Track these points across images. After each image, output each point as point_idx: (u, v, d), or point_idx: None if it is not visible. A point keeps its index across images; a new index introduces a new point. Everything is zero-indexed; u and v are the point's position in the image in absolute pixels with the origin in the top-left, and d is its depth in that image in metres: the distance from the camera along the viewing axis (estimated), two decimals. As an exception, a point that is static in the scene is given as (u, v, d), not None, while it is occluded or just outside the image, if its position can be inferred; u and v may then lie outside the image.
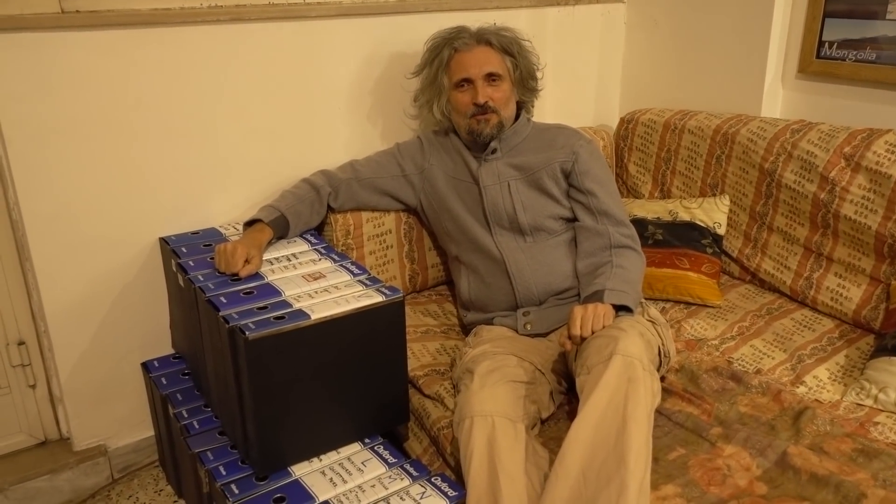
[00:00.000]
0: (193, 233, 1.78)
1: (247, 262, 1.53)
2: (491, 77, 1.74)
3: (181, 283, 1.60)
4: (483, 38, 1.77)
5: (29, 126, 1.57)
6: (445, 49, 1.77)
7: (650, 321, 1.56)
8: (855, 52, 1.92)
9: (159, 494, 1.84)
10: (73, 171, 1.64)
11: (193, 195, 1.80)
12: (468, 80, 1.74)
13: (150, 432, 1.92)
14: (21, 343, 1.77)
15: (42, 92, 1.56)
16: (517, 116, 1.81)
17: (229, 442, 1.52)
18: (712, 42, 2.18)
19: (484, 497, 1.31)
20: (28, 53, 1.53)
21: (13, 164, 1.58)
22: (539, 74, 1.87)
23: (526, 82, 1.83)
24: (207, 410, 1.64)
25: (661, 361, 1.52)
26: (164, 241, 1.74)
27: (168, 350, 1.88)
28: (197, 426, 1.58)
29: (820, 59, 2.00)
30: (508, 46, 1.77)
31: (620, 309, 1.52)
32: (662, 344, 1.54)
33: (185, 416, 1.62)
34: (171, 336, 1.87)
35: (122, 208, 1.72)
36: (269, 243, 1.66)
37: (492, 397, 1.40)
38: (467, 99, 1.74)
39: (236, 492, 1.37)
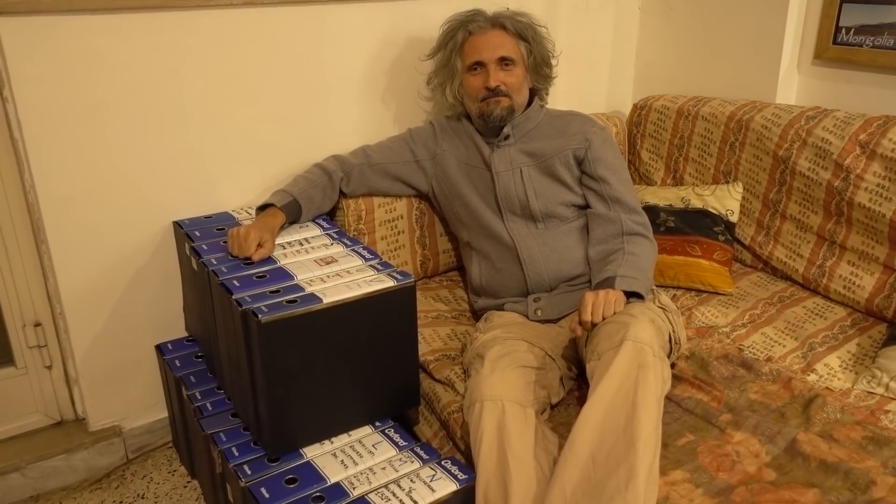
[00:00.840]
0: (206, 217, 1.79)
1: (259, 246, 1.54)
2: (504, 61, 1.73)
3: (194, 266, 1.62)
4: (498, 21, 1.76)
5: (44, 109, 1.58)
6: (460, 32, 1.77)
7: (661, 308, 1.56)
8: (872, 38, 1.90)
9: (173, 475, 1.87)
10: (88, 154, 1.65)
11: (206, 179, 1.81)
12: (481, 64, 1.73)
13: (164, 414, 1.94)
14: (37, 324, 1.79)
15: (57, 75, 1.57)
16: (530, 103, 1.81)
17: (242, 424, 1.54)
18: (727, 27, 2.16)
19: (493, 480, 1.32)
20: (44, 37, 1.54)
21: (29, 146, 1.59)
22: (554, 62, 1.86)
23: (540, 69, 1.82)
24: (220, 392, 1.66)
25: (671, 348, 1.53)
26: (177, 225, 1.75)
27: (182, 333, 1.90)
28: (210, 408, 1.60)
29: (837, 44, 1.97)
30: (523, 31, 1.76)
31: (631, 296, 1.52)
32: (673, 331, 1.54)
33: (199, 397, 1.64)
34: (185, 319, 1.89)
35: (136, 192, 1.73)
36: (282, 228, 1.67)
37: (502, 382, 1.41)
38: (479, 82, 1.74)
39: (248, 472, 1.39)
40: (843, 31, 1.95)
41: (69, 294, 1.73)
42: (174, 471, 1.88)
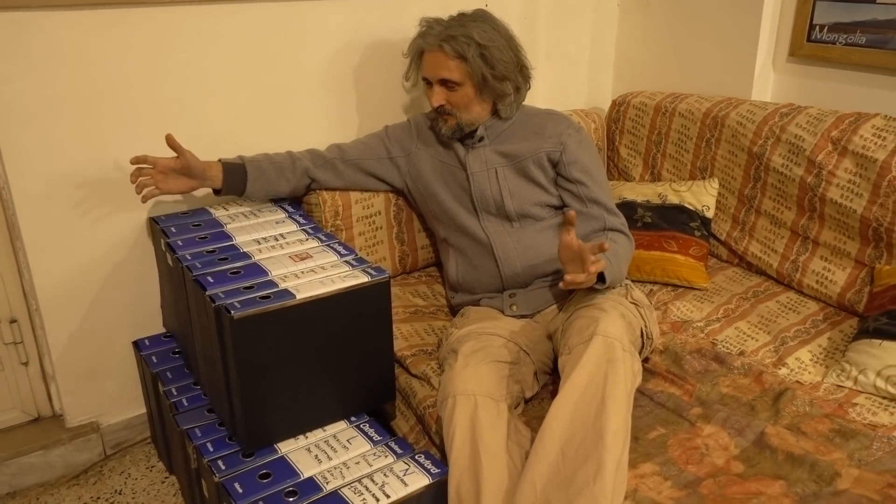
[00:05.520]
0: (183, 213, 1.79)
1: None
2: (446, 82, 1.70)
3: (170, 262, 1.62)
4: (439, 41, 1.68)
5: (17, 105, 1.57)
6: (418, 43, 1.75)
7: (633, 303, 1.57)
8: (846, 36, 1.92)
9: (150, 471, 1.87)
10: (63, 150, 1.65)
11: (183, 175, 1.81)
12: (428, 81, 1.74)
13: (142, 410, 1.95)
14: (13, 321, 1.79)
15: (29, 71, 1.57)
16: (496, 111, 1.76)
17: (217, 419, 1.55)
18: (704, 24, 2.18)
19: (465, 474, 1.33)
20: (15, 32, 1.53)
21: (2, 142, 1.59)
22: (533, 70, 1.78)
23: (489, 86, 1.70)
24: (196, 388, 1.66)
25: (643, 343, 1.54)
26: (153, 221, 1.75)
27: (159, 329, 1.90)
28: (186, 403, 1.61)
29: (811, 42, 1.99)
30: (463, 52, 1.65)
31: (599, 279, 1.51)
32: (645, 326, 1.56)
33: (175, 393, 1.64)
34: (163, 315, 1.89)
35: (111, 188, 1.73)
36: (218, 191, 1.72)
37: (475, 376, 1.42)
38: (430, 97, 1.74)
39: (223, 468, 1.39)
40: (817, 28, 1.97)
41: (45, 290, 1.72)
42: (152, 466, 1.88)
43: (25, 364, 1.83)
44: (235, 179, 1.71)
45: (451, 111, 1.72)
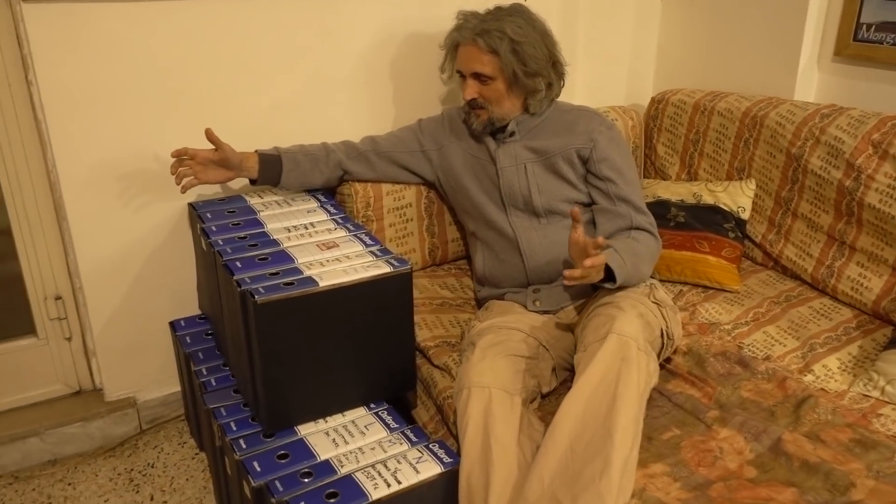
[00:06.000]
0: (220, 199, 1.85)
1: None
2: (479, 76, 1.71)
3: (204, 246, 1.68)
4: (474, 35, 1.69)
5: (65, 93, 1.65)
6: (453, 36, 1.77)
7: (655, 303, 1.56)
8: (893, 36, 1.85)
9: (182, 447, 1.94)
10: (107, 136, 1.72)
11: (221, 163, 1.87)
12: (462, 74, 1.75)
13: (177, 388, 2.03)
14: (58, 298, 1.88)
15: (77, 60, 1.64)
16: (528, 107, 1.77)
17: (242, 400, 1.60)
18: (747, 21, 2.14)
19: (476, 464, 1.35)
20: (65, 23, 1.61)
21: (51, 128, 1.67)
22: (569, 66, 1.80)
23: (521, 81, 1.70)
24: (225, 369, 1.72)
25: (663, 343, 1.53)
26: (191, 207, 1.81)
27: (195, 311, 1.97)
28: (214, 383, 1.67)
29: (857, 41, 1.94)
30: (496, 48, 1.66)
31: (610, 276, 1.51)
32: (667, 326, 1.55)
33: (205, 373, 1.71)
34: (198, 297, 1.96)
35: (153, 174, 1.80)
36: (254, 181, 1.77)
37: (491, 369, 1.44)
38: (463, 90, 1.75)
39: (243, 446, 1.45)
40: (864, 27, 1.91)
41: (88, 270, 1.81)
42: (184, 443, 1.96)
43: (69, 339, 1.92)
44: (271, 170, 1.76)
45: (483, 105, 1.73)
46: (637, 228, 1.66)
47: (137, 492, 1.79)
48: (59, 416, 1.89)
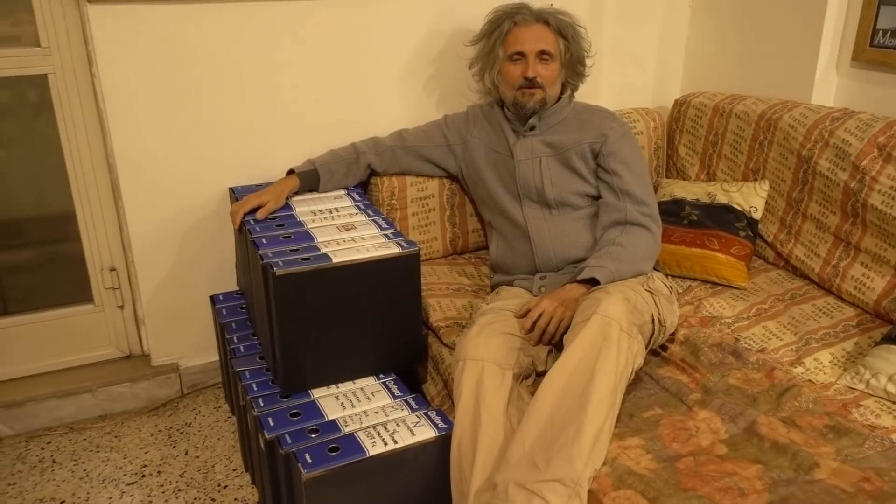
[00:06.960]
0: (258, 185, 2.02)
1: (259, 207, 1.78)
2: (543, 54, 1.85)
3: (238, 226, 1.85)
4: (542, 17, 1.87)
5: (123, 85, 1.85)
6: (506, 22, 1.89)
7: (649, 291, 1.65)
8: (909, 42, 1.89)
9: (217, 410, 2.13)
10: (160, 125, 1.92)
11: (259, 152, 2.05)
12: (522, 54, 1.86)
13: (216, 357, 2.21)
14: (113, 269, 2.09)
15: (136, 56, 1.84)
16: (560, 96, 1.92)
17: (265, 365, 1.76)
18: (769, 26, 2.19)
19: (467, 430, 1.47)
20: (126, 22, 1.81)
21: (111, 116, 1.87)
22: (589, 62, 1.96)
23: (574, 66, 1.93)
24: (254, 339, 1.89)
25: (654, 329, 1.61)
26: (231, 191, 1.99)
27: (233, 286, 2.15)
28: (242, 350, 1.83)
29: (873, 47, 1.97)
30: (564, 29, 1.88)
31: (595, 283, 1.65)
32: (659, 313, 1.63)
33: (235, 341, 1.88)
34: (237, 274, 2.14)
35: (199, 160, 1.99)
36: (297, 193, 1.90)
37: (485, 345, 1.55)
38: (518, 71, 1.86)
39: (262, 405, 1.61)
40: (880, 33, 1.94)
41: (139, 244, 2.01)
42: (219, 407, 2.14)
43: (121, 307, 2.13)
44: (310, 184, 1.93)
45: (541, 84, 1.85)
46: (630, 223, 1.75)
47: (174, 447, 1.98)
48: (110, 376, 2.10)
